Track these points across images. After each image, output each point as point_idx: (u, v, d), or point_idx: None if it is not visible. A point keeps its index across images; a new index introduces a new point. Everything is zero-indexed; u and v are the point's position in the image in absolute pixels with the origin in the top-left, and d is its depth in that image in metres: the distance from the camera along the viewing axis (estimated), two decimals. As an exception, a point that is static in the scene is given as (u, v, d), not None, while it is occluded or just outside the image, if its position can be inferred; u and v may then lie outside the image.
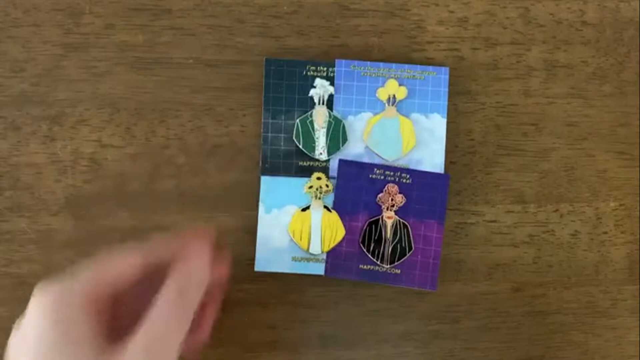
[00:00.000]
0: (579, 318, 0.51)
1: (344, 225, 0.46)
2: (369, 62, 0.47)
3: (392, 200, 0.47)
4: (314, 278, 0.48)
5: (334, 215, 0.46)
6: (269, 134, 0.46)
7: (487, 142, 0.49)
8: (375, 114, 0.47)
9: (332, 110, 0.47)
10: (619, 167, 0.50)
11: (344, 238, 0.46)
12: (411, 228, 0.47)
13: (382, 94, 0.47)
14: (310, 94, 0.47)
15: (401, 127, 0.47)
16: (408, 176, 0.47)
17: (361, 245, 0.46)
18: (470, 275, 0.50)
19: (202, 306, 0.38)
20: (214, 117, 0.47)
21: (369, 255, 0.46)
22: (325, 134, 0.46)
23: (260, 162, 0.46)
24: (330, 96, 0.47)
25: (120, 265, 0.34)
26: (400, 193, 0.47)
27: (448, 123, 0.48)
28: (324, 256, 0.47)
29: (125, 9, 0.46)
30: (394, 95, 0.47)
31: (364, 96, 0.47)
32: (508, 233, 0.50)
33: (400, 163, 0.47)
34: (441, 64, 0.48)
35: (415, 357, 0.50)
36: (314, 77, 0.46)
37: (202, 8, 0.47)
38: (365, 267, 0.47)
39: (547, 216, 0.50)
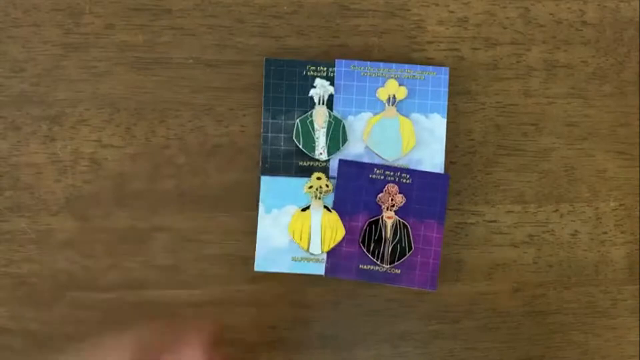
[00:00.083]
0: (579, 318, 0.51)
1: (344, 225, 0.46)
2: (369, 62, 0.47)
3: (392, 200, 0.47)
4: (314, 278, 0.48)
5: (334, 215, 0.46)
6: (269, 134, 0.46)
7: (487, 142, 0.49)
8: (375, 114, 0.47)
9: (332, 110, 0.47)
10: (619, 167, 0.50)
11: (344, 238, 0.46)
12: (411, 228, 0.47)
13: (382, 94, 0.47)
14: (310, 94, 0.47)
15: (401, 127, 0.47)
16: (408, 176, 0.47)
17: (361, 245, 0.46)
18: (470, 275, 0.50)
19: None
20: (214, 117, 0.47)
21: (369, 255, 0.46)
22: (325, 134, 0.46)
23: (260, 162, 0.46)
24: (330, 96, 0.47)
25: None
26: (400, 193, 0.47)
27: (448, 123, 0.48)
28: (324, 256, 0.47)
29: (125, 9, 0.46)
30: (394, 95, 0.47)
31: (364, 96, 0.47)
32: (508, 233, 0.50)
33: (400, 163, 0.47)
34: (441, 64, 0.48)
35: (415, 357, 0.50)
36: (314, 77, 0.46)
37: (202, 8, 0.47)
38: (365, 267, 0.47)
39: (547, 216, 0.50)
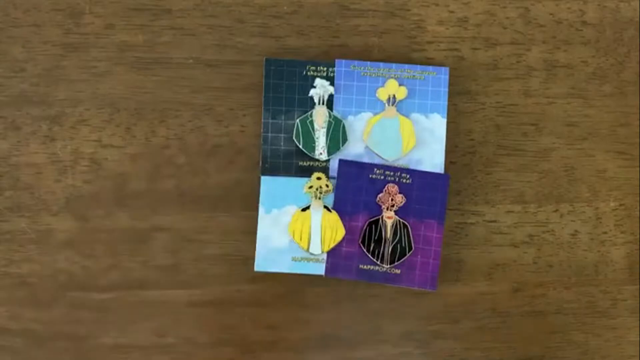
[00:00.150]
0: (579, 318, 0.51)
1: (344, 225, 0.46)
2: (369, 62, 0.47)
3: (392, 200, 0.47)
4: (314, 278, 0.48)
5: (334, 215, 0.46)
6: (269, 134, 0.46)
7: (487, 142, 0.49)
8: (375, 114, 0.47)
9: (332, 110, 0.47)
10: (619, 167, 0.50)
11: (344, 238, 0.46)
12: (411, 228, 0.47)
13: (382, 94, 0.47)
14: (310, 94, 0.47)
15: (401, 127, 0.47)
16: (408, 176, 0.47)
17: (361, 245, 0.46)
18: (470, 275, 0.50)
19: None
20: (214, 117, 0.47)
21: (369, 255, 0.46)
22: (325, 134, 0.46)
23: (260, 162, 0.46)
24: (330, 96, 0.47)
25: None
26: (400, 193, 0.47)
27: (448, 123, 0.48)
28: (324, 256, 0.47)
29: (125, 9, 0.46)
30: (394, 95, 0.47)
31: (364, 96, 0.47)
32: (508, 233, 0.50)
33: (400, 163, 0.47)
34: (441, 64, 0.48)
35: (416, 357, 0.50)
36: (314, 77, 0.46)
37: (202, 8, 0.47)
38: (365, 267, 0.47)
39: (547, 216, 0.50)
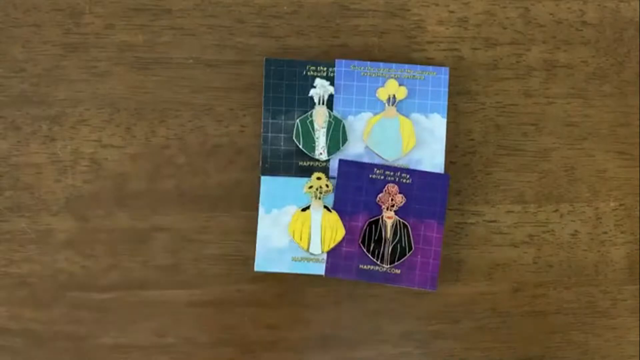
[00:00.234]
0: (579, 318, 0.51)
1: (344, 225, 0.46)
2: (369, 62, 0.47)
3: (392, 200, 0.46)
4: (314, 278, 0.48)
5: (334, 215, 0.46)
6: (269, 134, 0.46)
7: (487, 142, 0.49)
8: (375, 114, 0.47)
9: (332, 110, 0.47)
10: (619, 167, 0.50)
11: (344, 238, 0.46)
12: (411, 228, 0.47)
13: (382, 94, 0.47)
14: (310, 94, 0.47)
15: (401, 127, 0.47)
16: (408, 176, 0.47)
17: (361, 245, 0.46)
18: (470, 275, 0.50)
19: None
20: (214, 117, 0.47)
21: (369, 255, 0.46)
22: (325, 134, 0.46)
23: (260, 162, 0.46)
24: (330, 96, 0.47)
25: None
26: (400, 193, 0.47)
27: (448, 123, 0.48)
28: (324, 256, 0.47)
29: (125, 9, 0.46)
30: (394, 95, 0.47)
31: (364, 96, 0.47)
32: (508, 233, 0.50)
33: (400, 163, 0.47)
34: (441, 64, 0.48)
35: (416, 357, 0.50)
36: (314, 77, 0.46)
37: (202, 8, 0.47)
38: (365, 267, 0.47)
39: (547, 216, 0.50)
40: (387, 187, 0.47)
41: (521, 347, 0.50)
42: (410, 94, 0.47)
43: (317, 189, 0.46)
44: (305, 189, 0.46)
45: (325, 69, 0.46)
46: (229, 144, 0.47)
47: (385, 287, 0.49)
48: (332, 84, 0.46)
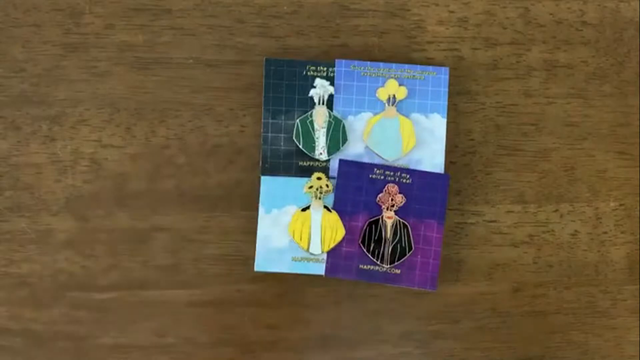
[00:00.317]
0: (579, 318, 0.51)
1: (344, 225, 0.46)
2: (369, 62, 0.47)
3: (392, 200, 0.46)
4: (314, 278, 0.48)
5: (334, 215, 0.46)
6: (269, 134, 0.46)
7: (487, 142, 0.49)
8: (375, 114, 0.47)
9: (332, 110, 0.47)
10: (619, 167, 0.50)
11: (344, 238, 0.46)
12: (411, 228, 0.47)
13: (382, 94, 0.47)
14: (310, 94, 0.47)
15: (401, 127, 0.47)
16: (408, 176, 0.47)
17: (361, 245, 0.46)
18: (470, 275, 0.50)
19: None
20: (214, 117, 0.47)
21: (369, 255, 0.46)
22: (325, 134, 0.46)
23: (260, 162, 0.46)
24: (330, 96, 0.47)
25: None
26: (400, 193, 0.47)
27: (448, 123, 0.48)
28: (324, 256, 0.47)
29: (125, 9, 0.46)
30: (394, 95, 0.47)
31: (364, 96, 0.47)
32: (508, 233, 0.50)
33: (400, 163, 0.47)
34: (441, 64, 0.48)
35: (416, 357, 0.50)
36: (314, 77, 0.46)
37: (202, 8, 0.47)
38: (365, 267, 0.47)
39: (547, 216, 0.50)
40: (387, 187, 0.47)
41: (521, 347, 0.50)
42: (410, 94, 0.47)
43: (317, 189, 0.46)
44: (305, 189, 0.46)
45: (325, 69, 0.46)
46: (229, 144, 0.47)
47: (385, 287, 0.49)
48: (332, 84, 0.46)
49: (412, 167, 0.47)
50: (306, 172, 0.47)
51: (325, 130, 0.46)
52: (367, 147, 0.47)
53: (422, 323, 0.50)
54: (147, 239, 0.47)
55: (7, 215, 0.46)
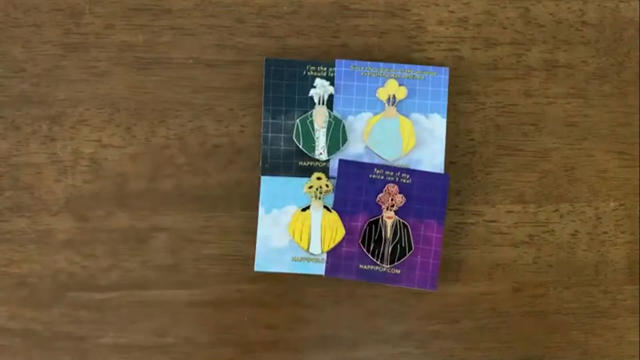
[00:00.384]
0: (579, 318, 0.51)
1: (344, 225, 0.46)
2: (369, 62, 0.47)
3: (392, 200, 0.46)
4: (314, 278, 0.48)
5: (334, 215, 0.46)
6: (269, 134, 0.46)
7: (487, 142, 0.49)
8: (375, 114, 0.47)
9: (332, 110, 0.47)
10: (619, 167, 0.50)
11: (344, 238, 0.46)
12: (411, 228, 0.47)
13: (382, 94, 0.47)
14: (310, 94, 0.47)
15: (401, 127, 0.47)
16: (408, 176, 0.47)
17: (361, 245, 0.46)
18: (470, 275, 0.50)
19: None
20: (214, 117, 0.47)
21: (369, 255, 0.46)
22: (325, 134, 0.46)
23: (260, 162, 0.46)
24: (330, 96, 0.47)
25: None
26: (400, 193, 0.47)
27: (448, 123, 0.48)
28: (324, 256, 0.47)
29: (125, 9, 0.46)
30: (394, 95, 0.47)
31: (364, 96, 0.47)
32: (508, 233, 0.50)
33: (400, 163, 0.47)
34: (441, 64, 0.48)
35: (416, 357, 0.50)
36: (314, 77, 0.46)
37: (202, 8, 0.47)
38: (365, 267, 0.47)
39: (547, 216, 0.50)
40: (387, 187, 0.47)
41: (521, 347, 0.50)
42: (410, 94, 0.47)
43: (317, 189, 0.46)
44: (305, 189, 0.46)
45: (325, 69, 0.46)
46: (229, 144, 0.47)
47: (385, 287, 0.49)
48: (332, 84, 0.46)
49: (412, 167, 0.47)
50: (306, 172, 0.47)
51: (325, 130, 0.46)
52: (367, 147, 0.47)
53: (422, 323, 0.50)
54: (147, 239, 0.47)
55: (7, 215, 0.46)
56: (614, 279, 0.51)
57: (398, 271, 0.47)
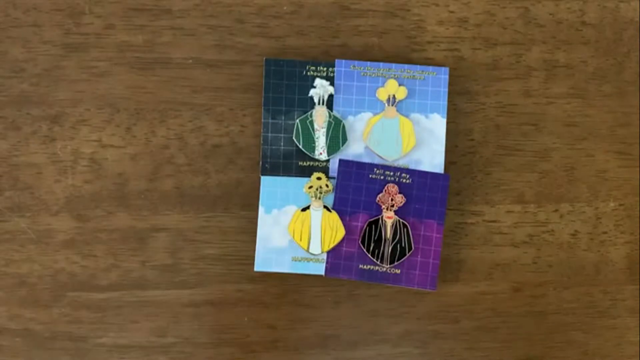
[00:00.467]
0: (579, 318, 0.51)
1: (344, 225, 0.46)
2: (369, 62, 0.47)
3: (392, 200, 0.47)
4: (314, 278, 0.48)
5: (334, 215, 0.46)
6: (269, 134, 0.46)
7: (487, 142, 0.49)
8: (375, 114, 0.47)
9: (332, 110, 0.47)
10: (619, 167, 0.50)
11: (344, 238, 0.46)
12: (411, 228, 0.47)
13: (382, 94, 0.47)
14: (310, 94, 0.47)
15: (401, 127, 0.47)
16: (408, 176, 0.47)
17: (361, 245, 0.46)
18: (470, 275, 0.50)
19: None
20: (214, 117, 0.47)
21: (369, 255, 0.46)
22: (325, 134, 0.46)
23: (260, 162, 0.46)
24: (330, 96, 0.47)
25: None
26: (400, 193, 0.47)
27: (448, 123, 0.48)
28: (324, 256, 0.47)
29: (125, 9, 0.46)
30: (394, 95, 0.47)
31: (364, 96, 0.47)
32: (508, 233, 0.50)
33: (400, 163, 0.47)
34: (441, 64, 0.48)
35: (416, 357, 0.50)
36: (314, 77, 0.46)
37: (202, 8, 0.47)
38: (365, 267, 0.47)
39: (547, 216, 0.50)
40: (387, 187, 0.47)
41: (521, 347, 0.50)
42: (410, 94, 0.47)
43: (317, 189, 0.46)
44: (305, 189, 0.46)
45: (325, 69, 0.46)
46: (229, 144, 0.47)
47: (385, 287, 0.49)
48: (332, 84, 0.46)
49: (412, 167, 0.47)
50: (306, 172, 0.47)
51: (325, 130, 0.46)
52: (367, 147, 0.47)
53: (422, 323, 0.50)
54: (147, 239, 0.47)
55: (7, 215, 0.46)
56: (614, 279, 0.51)
57: (398, 271, 0.47)
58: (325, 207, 0.46)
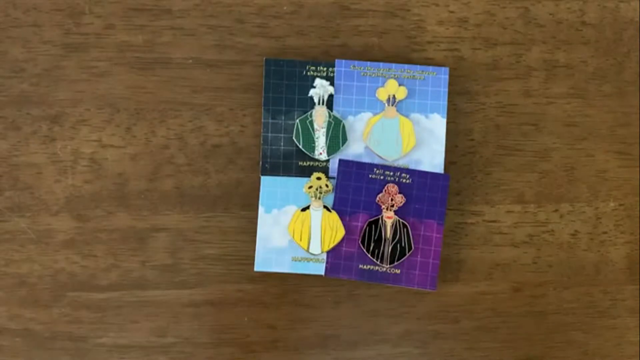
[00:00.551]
0: (579, 318, 0.51)
1: (344, 225, 0.46)
2: (369, 62, 0.47)
3: (392, 200, 0.46)
4: (314, 278, 0.48)
5: (334, 215, 0.46)
6: (269, 134, 0.46)
7: (487, 142, 0.49)
8: (375, 114, 0.47)
9: (332, 110, 0.47)
10: (619, 167, 0.50)
11: (343, 238, 0.46)
12: (411, 228, 0.47)
13: (382, 94, 0.47)
14: (310, 94, 0.47)
15: (401, 127, 0.47)
16: (408, 176, 0.47)
17: (361, 245, 0.46)
18: (470, 275, 0.50)
19: None
20: (214, 117, 0.47)
21: (369, 255, 0.46)
22: (325, 134, 0.46)
23: (260, 162, 0.46)
24: (330, 96, 0.47)
25: None
26: (400, 193, 0.47)
27: (448, 123, 0.48)
28: (324, 256, 0.47)
29: (125, 9, 0.46)
30: (394, 95, 0.47)
31: (364, 96, 0.47)
32: (508, 233, 0.50)
33: (400, 163, 0.47)
34: (441, 64, 0.48)
35: (416, 357, 0.50)
36: (314, 77, 0.46)
37: (202, 8, 0.47)
38: (365, 267, 0.47)
39: (547, 216, 0.50)
40: (387, 187, 0.47)
41: (521, 347, 0.50)
42: (410, 94, 0.47)
43: (317, 189, 0.46)
44: (305, 189, 0.46)
45: (325, 69, 0.46)
46: (229, 144, 0.47)
47: (385, 287, 0.49)
48: (332, 84, 0.46)
49: (412, 167, 0.47)
50: (306, 172, 0.47)
51: (325, 130, 0.46)
52: (367, 147, 0.47)
53: (422, 323, 0.50)
54: (147, 239, 0.47)
55: (7, 215, 0.46)
56: (614, 279, 0.51)
57: (398, 271, 0.47)
58: (325, 207, 0.46)
